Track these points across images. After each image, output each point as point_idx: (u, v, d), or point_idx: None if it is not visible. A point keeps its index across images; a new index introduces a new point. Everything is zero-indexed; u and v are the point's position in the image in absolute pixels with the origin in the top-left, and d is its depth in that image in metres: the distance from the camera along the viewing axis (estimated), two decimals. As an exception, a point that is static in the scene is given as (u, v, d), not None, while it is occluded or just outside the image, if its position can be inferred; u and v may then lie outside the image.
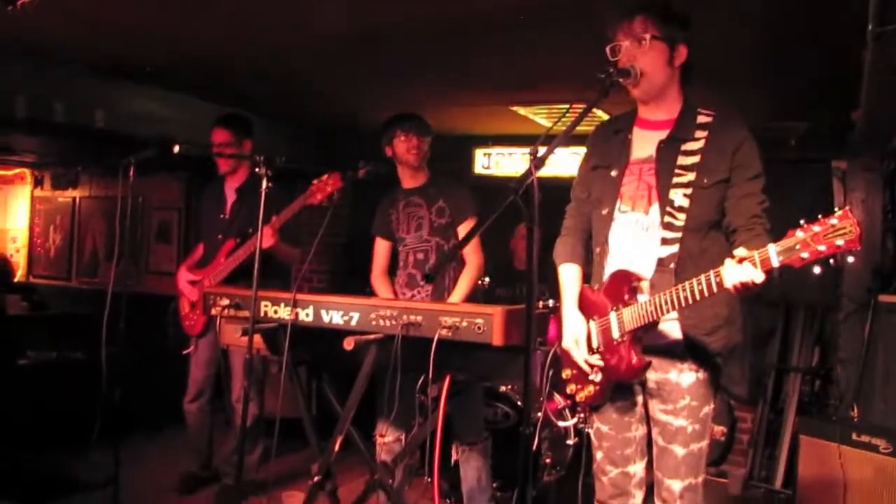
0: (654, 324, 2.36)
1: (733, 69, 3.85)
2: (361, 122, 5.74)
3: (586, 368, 2.55)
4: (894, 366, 4.49)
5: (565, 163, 6.25)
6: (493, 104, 5.16)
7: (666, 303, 2.27)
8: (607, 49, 2.47)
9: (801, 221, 1.92)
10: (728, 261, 2.07)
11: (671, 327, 2.44)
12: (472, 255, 3.92)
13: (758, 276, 2.00)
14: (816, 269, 1.94)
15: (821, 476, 4.16)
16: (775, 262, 1.96)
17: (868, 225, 4.93)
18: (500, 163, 6.58)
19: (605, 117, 4.95)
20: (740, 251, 2.05)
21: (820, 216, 1.89)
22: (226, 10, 3.51)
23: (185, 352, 4.51)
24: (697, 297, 2.17)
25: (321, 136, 6.54)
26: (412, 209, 4.02)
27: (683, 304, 2.23)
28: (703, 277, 2.15)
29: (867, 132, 4.23)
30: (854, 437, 4.04)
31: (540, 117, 5.45)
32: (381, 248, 4.19)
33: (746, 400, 5.48)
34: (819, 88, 4.21)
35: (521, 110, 5.24)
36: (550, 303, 4.77)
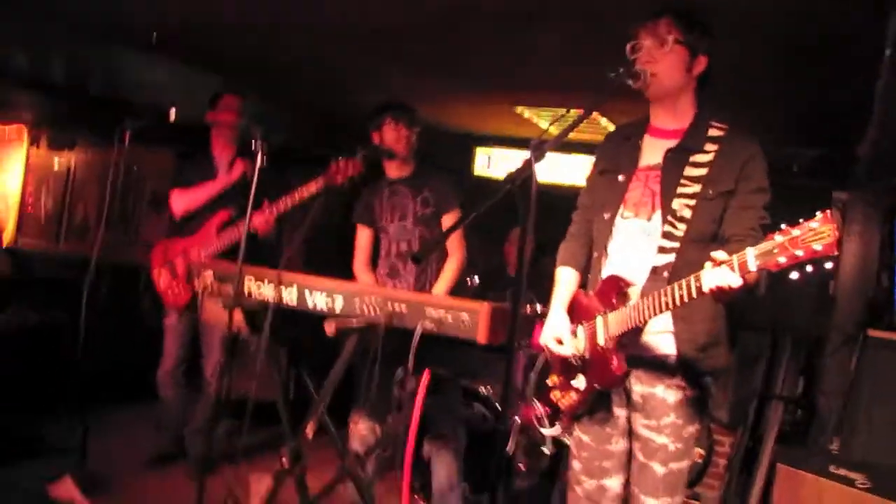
0: (638, 329, 2.32)
1: (741, 92, 3.81)
2: (362, 112, 5.69)
3: (570, 356, 2.49)
4: (879, 401, 4.45)
5: (565, 171, 6.22)
6: (497, 102, 5.12)
7: (648, 307, 2.22)
8: (628, 46, 2.43)
9: (782, 225, 1.86)
10: (707, 264, 2.02)
11: (664, 340, 2.40)
12: (456, 248, 3.87)
13: (735, 280, 1.95)
14: (794, 275, 1.87)
15: (795, 506, 4.11)
16: (753, 266, 1.90)
17: (863, 258, 4.89)
18: (500, 164, 6.54)
19: (610, 127, 4.94)
20: (719, 254, 1.99)
21: (801, 220, 1.83)
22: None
23: (168, 322, 4.40)
24: (678, 301, 2.12)
25: (319, 121, 6.47)
26: (397, 199, 3.96)
27: (665, 309, 2.18)
28: (683, 282, 2.10)
29: (873, 164, 4.20)
30: (832, 469, 3.99)
31: (543, 121, 5.41)
32: (364, 236, 4.12)
33: (727, 424, 5.43)
34: (828, 117, 4.17)
35: (525, 112, 5.20)
36: (538, 308, 4.71)
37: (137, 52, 4.86)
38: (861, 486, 3.86)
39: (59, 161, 8.26)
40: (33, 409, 4.73)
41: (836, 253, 1.81)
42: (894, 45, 2.35)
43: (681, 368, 2.38)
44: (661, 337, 2.39)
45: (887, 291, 4.91)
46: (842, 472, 3.95)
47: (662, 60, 2.39)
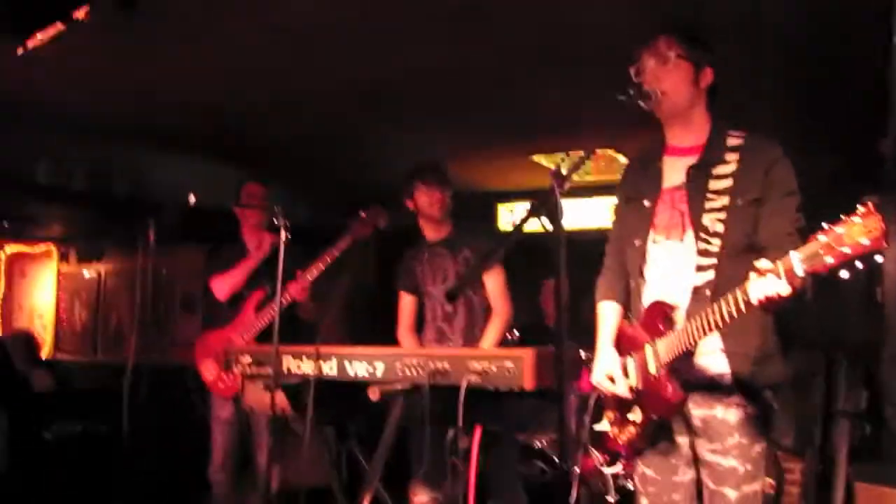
0: (689, 353, 2.24)
1: (757, 104, 3.78)
2: (382, 180, 5.74)
3: (626, 395, 2.41)
4: (946, 403, 4.28)
5: (591, 215, 6.18)
6: (514, 153, 5.13)
7: (697, 329, 2.15)
8: (631, 70, 2.42)
9: (824, 225, 1.79)
10: (751, 275, 1.96)
11: (716, 360, 2.32)
12: (501, 304, 3.81)
13: (783, 288, 1.87)
14: (844, 274, 1.79)
15: (880, 525, 3.92)
16: (800, 272, 1.82)
17: (905, 260, 4.76)
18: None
19: (623, 160, 4.93)
20: (763, 263, 1.92)
21: (842, 216, 1.77)
22: (244, 74, 3.54)
23: (224, 415, 4.35)
24: (727, 317, 2.05)
25: (341, 197, 6.52)
26: (437, 261, 3.93)
27: (714, 328, 2.11)
28: (730, 296, 2.04)
29: (897, 160, 4.11)
30: (914, 480, 3.82)
31: (562, 168, 5.41)
32: (407, 303, 4.08)
33: (794, 449, 5.24)
34: (848, 121, 4.12)
35: (543, 160, 5.20)
36: (582, 354, 4.62)
37: (159, 151, 4.95)
38: (947, 493, 3.68)
39: (90, 272, 8.40)
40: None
41: (885, 246, 1.73)
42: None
43: (737, 386, 2.30)
44: (713, 357, 2.31)
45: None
46: (925, 480, 3.78)
47: (668, 77, 2.37)
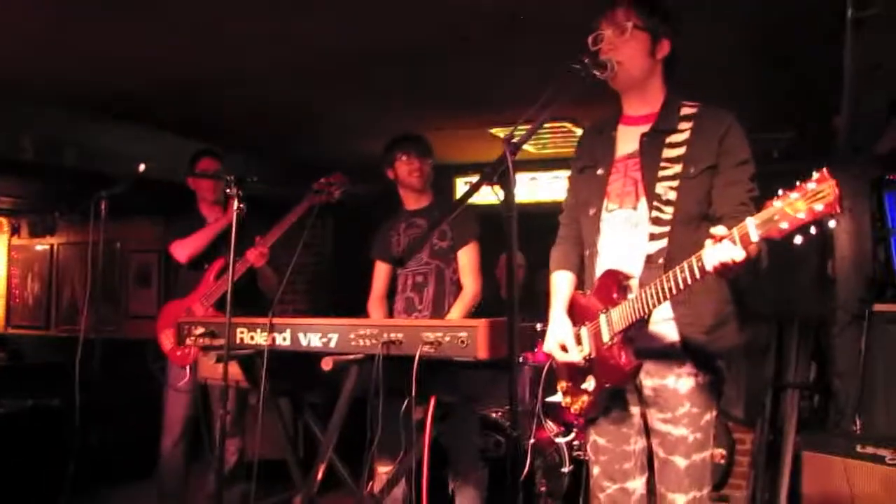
0: (644, 321, 2.25)
1: (710, 79, 3.79)
2: (339, 152, 5.68)
3: (577, 361, 2.42)
4: (893, 374, 4.39)
5: (547, 189, 6.19)
6: (473, 127, 5.10)
7: (652, 296, 2.15)
8: (589, 38, 2.42)
9: (779, 190, 1.81)
10: (707, 241, 1.97)
11: (667, 329, 2.33)
12: (470, 280, 3.79)
13: (738, 254, 1.89)
14: (798, 240, 1.81)
15: (826, 493, 4.02)
16: (754, 237, 1.84)
17: (856, 234, 4.85)
18: (481, 190, 6.52)
19: (579, 132, 4.93)
20: (718, 230, 1.94)
21: (797, 182, 1.78)
22: (200, 40, 3.46)
23: (180, 384, 4.27)
24: (682, 285, 2.06)
25: (298, 169, 6.46)
26: (414, 231, 3.91)
27: (669, 296, 2.11)
28: (685, 264, 2.05)
29: (850, 137, 4.17)
30: (858, 449, 3.91)
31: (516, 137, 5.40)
32: (381, 272, 4.07)
33: (745, 420, 5.34)
34: (801, 96, 4.16)
35: (502, 133, 5.18)
36: (538, 326, 4.64)
37: (111, 122, 4.85)
38: (891, 461, 3.78)
39: (42, 246, 8.24)
40: (36, 497, 4.62)
41: (838, 211, 1.75)
42: (855, 4, 2.32)
43: (689, 354, 2.32)
44: (664, 325, 2.33)
45: (885, 264, 4.87)
46: (869, 450, 3.88)
47: (624, 47, 2.37)
